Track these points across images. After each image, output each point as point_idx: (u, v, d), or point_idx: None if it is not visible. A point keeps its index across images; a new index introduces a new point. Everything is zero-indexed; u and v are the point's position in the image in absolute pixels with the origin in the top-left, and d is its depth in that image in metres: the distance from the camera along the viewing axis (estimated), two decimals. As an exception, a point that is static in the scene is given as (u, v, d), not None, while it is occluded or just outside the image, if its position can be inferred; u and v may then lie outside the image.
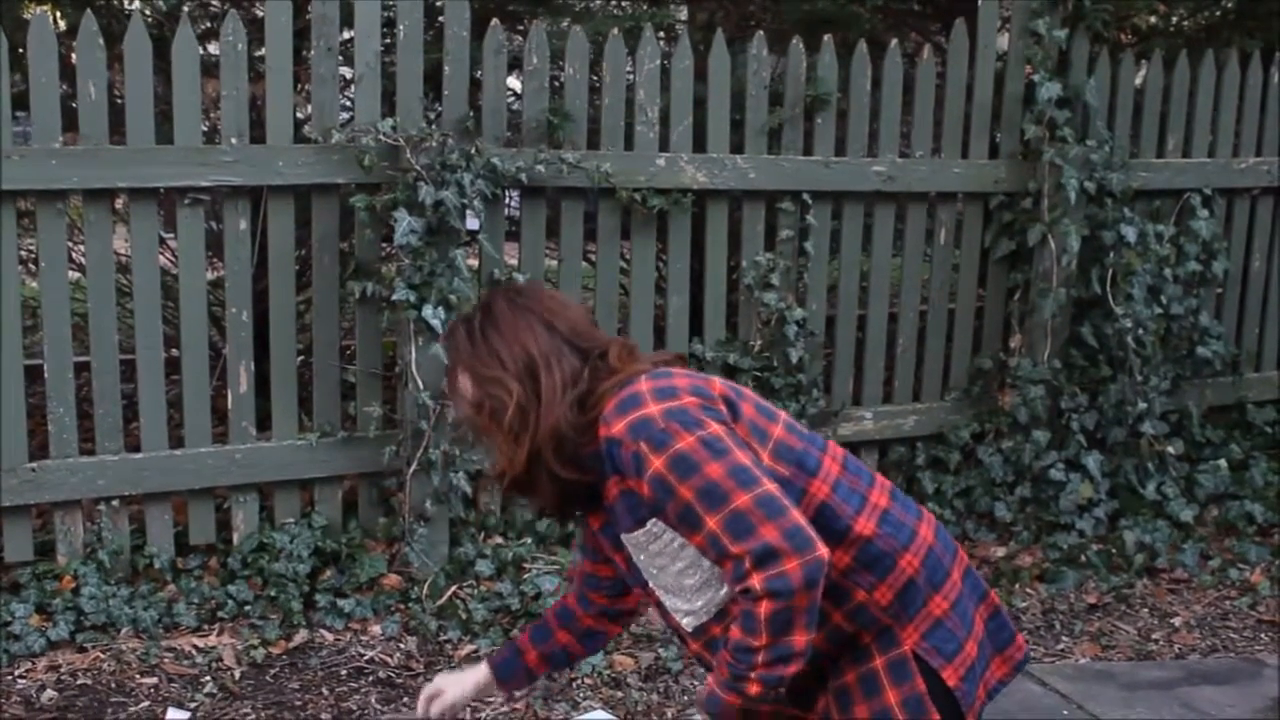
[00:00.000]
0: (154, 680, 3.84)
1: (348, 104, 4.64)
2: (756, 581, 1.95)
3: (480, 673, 2.56)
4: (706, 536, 2.00)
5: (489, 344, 2.17)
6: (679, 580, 2.17)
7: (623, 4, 6.52)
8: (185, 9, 4.85)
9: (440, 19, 4.57)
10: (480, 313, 2.21)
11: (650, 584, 2.23)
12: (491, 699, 3.57)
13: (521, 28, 5.42)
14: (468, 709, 3.79)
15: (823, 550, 1.97)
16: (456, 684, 2.58)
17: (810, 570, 1.94)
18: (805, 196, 4.85)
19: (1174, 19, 7.00)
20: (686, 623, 2.21)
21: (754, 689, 2.02)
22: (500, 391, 2.14)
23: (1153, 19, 6.91)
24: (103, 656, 3.92)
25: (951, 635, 2.16)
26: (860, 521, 2.13)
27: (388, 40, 4.51)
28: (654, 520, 2.11)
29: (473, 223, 4.31)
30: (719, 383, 2.18)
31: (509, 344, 2.15)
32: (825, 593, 2.02)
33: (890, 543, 2.14)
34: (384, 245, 4.52)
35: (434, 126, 4.34)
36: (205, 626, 4.10)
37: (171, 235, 4.44)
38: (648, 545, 2.15)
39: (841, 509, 2.12)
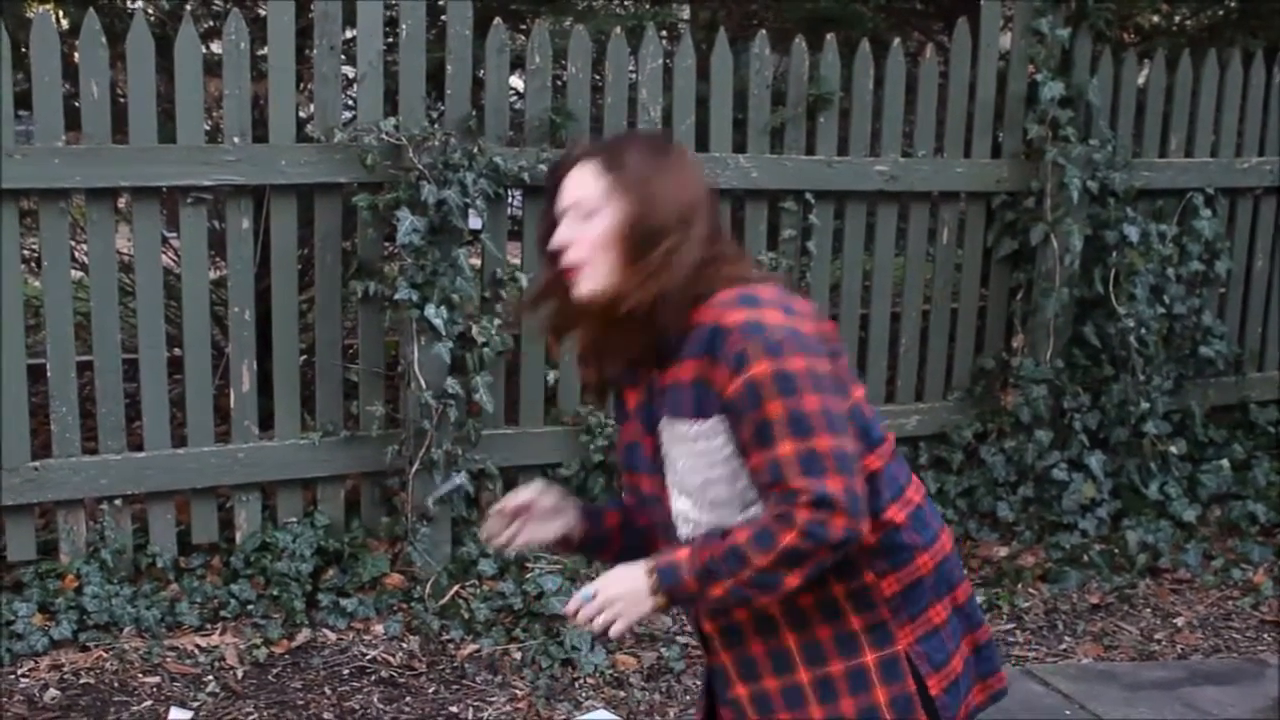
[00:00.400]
0: (156, 679, 3.85)
1: (350, 103, 4.64)
2: (800, 516, 1.93)
3: (567, 501, 2.38)
4: (772, 460, 1.97)
5: (666, 172, 2.10)
6: (703, 489, 2.08)
7: (625, 3, 6.53)
8: (188, 8, 4.85)
9: (443, 18, 4.56)
10: (659, 142, 2.17)
11: (668, 478, 2.13)
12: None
13: (524, 27, 5.43)
14: (469, 708, 3.80)
15: (865, 526, 1.99)
16: (542, 490, 2.36)
17: (849, 535, 1.96)
18: (808, 196, 4.85)
19: (1177, 18, 7.00)
20: (683, 530, 2.13)
21: (718, 592, 2.00)
22: (662, 219, 2.06)
23: (1155, 18, 6.91)
24: (105, 656, 3.92)
25: (943, 646, 2.15)
26: (893, 509, 2.13)
27: (390, 39, 4.51)
28: (719, 419, 2.03)
29: (475, 222, 4.31)
30: (829, 325, 2.16)
31: (682, 182, 2.10)
32: (836, 564, 2.02)
33: (914, 537, 2.14)
34: (386, 244, 4.51)
35: (436, 126, 4.34)
36: (208, 626, 4.10)
37: (174, 234, 4.44)
38: (694, 440, 2.06)
39: (883, 490, 2.12)
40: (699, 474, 2.07)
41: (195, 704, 3.74)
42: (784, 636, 2.11)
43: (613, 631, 2.06)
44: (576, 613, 2.08)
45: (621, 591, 2.06)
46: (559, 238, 2.08)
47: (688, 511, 2.11)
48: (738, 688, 2.16)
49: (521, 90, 4.89)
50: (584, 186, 2.08)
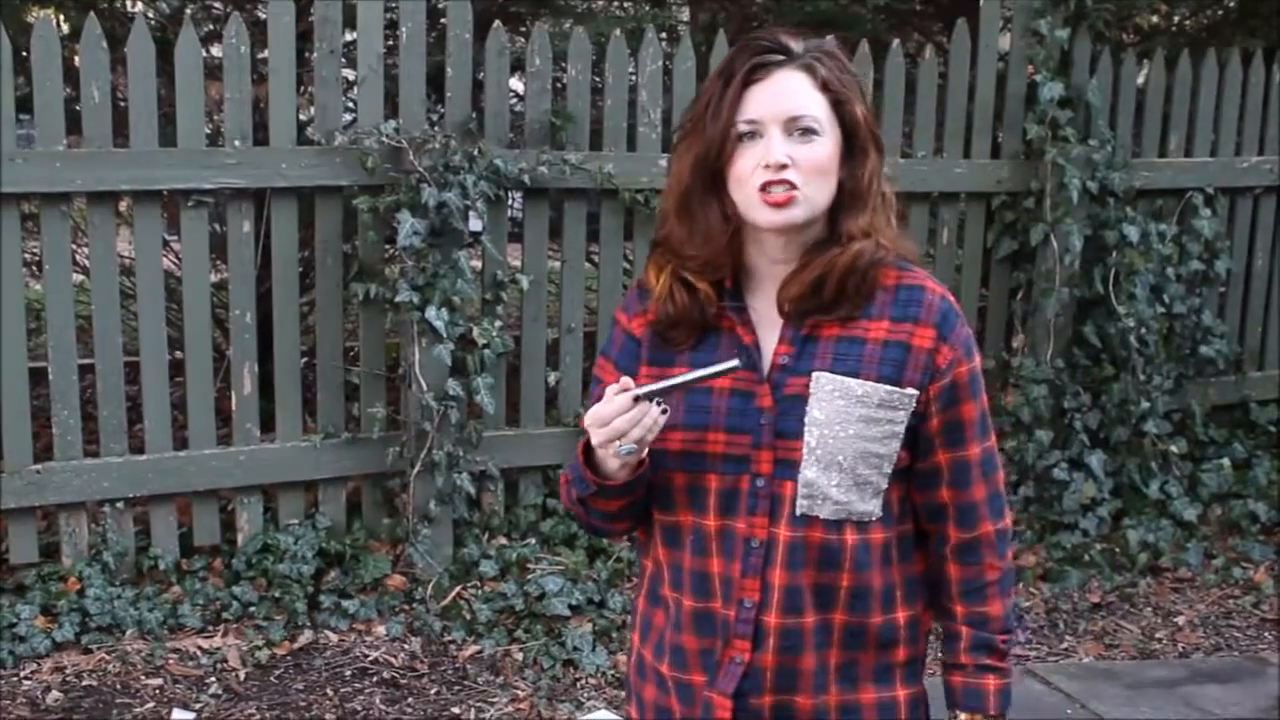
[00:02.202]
0: (159, 681, 3.85)
1: (351, 106, 4.65)
2: (1010, 517, 1.91)
3: None
4: (961, 459, 1.86)
5: (861, 92, 1.87)
6: (856, 462, 1.79)
7: (625, 5, 6.54)
8: (188, 12, 4.86)
9: (443, 21, 4.57)
10: (846, 54, 1.91)
11: (804, 433, 1.79)
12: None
13: (524, 29, 5.44)
14: (471, 709, 3.80)
15: None
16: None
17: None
18: (807, 197, 4.85)
19: (1176, 18, 7.00)
20: (804, 503, 1.79)
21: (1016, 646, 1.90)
22: (868, 147, 1.83)
23: (1154, 18, 6.91)
24: (108, 658, 3.92)
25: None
26: None
27: (390, 42, 4.52)
28: (914, 393, 1.81)
29: (476, 224, 4.32)
30: None
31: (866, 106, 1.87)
32: (904, 584, 1.88)
33: None
34: (387, 247, 4.52)
35: (437, 128, 4.35)
36: (210, 628, 4.10)
37: (175, 237, 4.44)
38: (875, 406, 1.79)
39: None
40: (859, 444, 1.79)
41: (197, 706, 3.75)
42: (829, 653, 1.85)
43: None
44: None
45: None
46: (776, 153, 1.75)
47: (820, 484, 1.79)
48: (765, 697, 1.85)
49: (521, 92, 4.89)
50: (806, 100, 1.79)
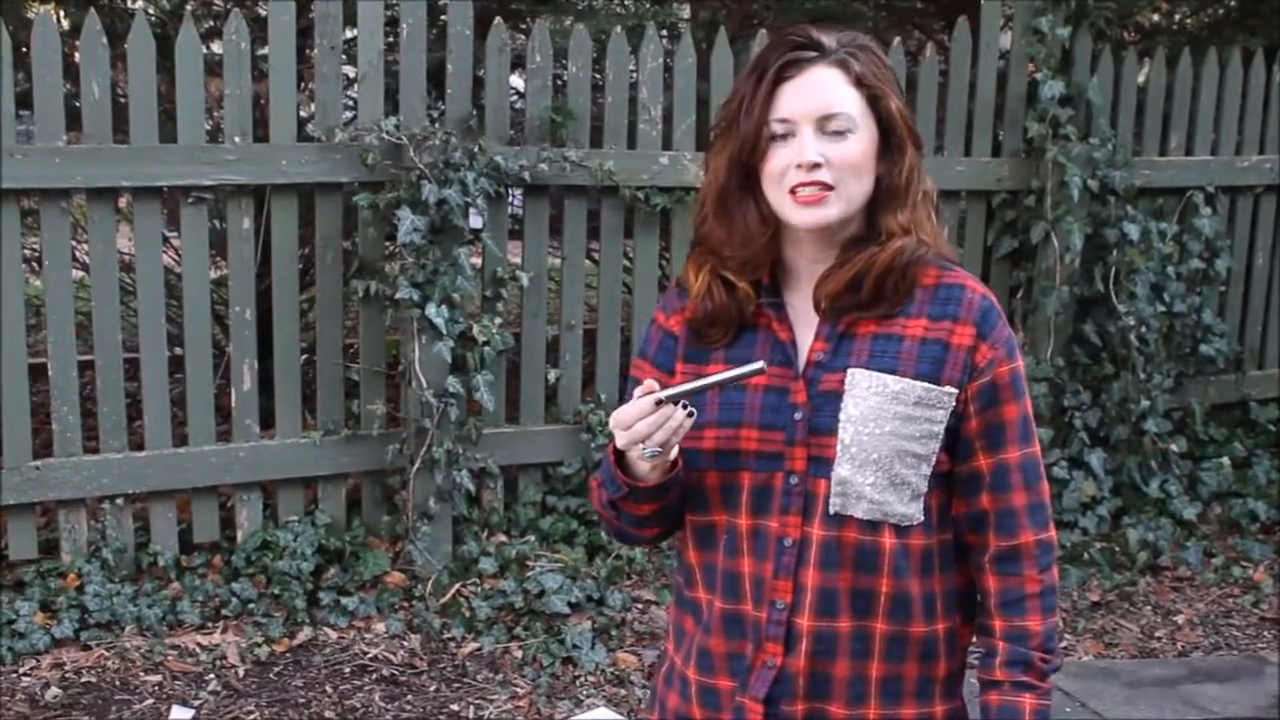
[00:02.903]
0: (158, 678, 3.85)
1: (351, 103, 4.65)
2: (1053, 529, 1.84)
3: None
4: (1001, 462, 1.80)
5: (899, 89, 1.84)
6: (893, 460, 1.76)
7: (625, 2, 6.53)
8: (188, 8, 4.86)
9: (443, 17, 4.57)
10: (882, 50, 1.87)
11: (838, 429, 1.76)
12: None
13: (524, 26, 5.43)
14: (470, 706, 3.80)
15: None
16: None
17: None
18: (808, 195, 4.84)
19: (1177, 17, 7.00)
20: (837, 501, 1.76)
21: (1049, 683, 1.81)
22: (904, 144, 1.81)
23: (1155, 17, 6.91)
24: (107, 654, 3.92)
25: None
26: None
27: (391, 39, 4.52)
28: (952, 391, 1.77)
29: (476, 221, 4.32)
30: None
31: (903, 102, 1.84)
32: (945, 595, 1.84)
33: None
34: (387, 244, 4.52)
35: (437, 125, 4.34)
36: (209, 624, 4.10)
37: (175, 234, 4.44)
38: (911, 404, 1.76)
39: None
40: (895, 442, 1.75)
41: (197, 702, 3.75)
42: (870, 664, 1.81)
43: None
44: None
45: None
46: (808, 153, 1.73)
47: (852, 478, 1.76)
48: (798, 703, 1.82)
49: (522, 89, 4.89)
50: (839, 97, 1.76)
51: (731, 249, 1.82)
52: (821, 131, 1.75)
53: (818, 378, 1.79)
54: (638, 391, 1.72)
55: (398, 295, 4.22)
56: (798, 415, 1.78)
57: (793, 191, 1.75)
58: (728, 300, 1.83)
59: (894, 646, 1.80)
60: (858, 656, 1.80)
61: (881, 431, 1.74)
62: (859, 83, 1.77)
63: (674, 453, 1.75)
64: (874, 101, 1.78)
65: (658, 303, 2.01)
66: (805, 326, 1.83)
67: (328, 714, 3.75)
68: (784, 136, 1.76)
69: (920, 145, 1.83)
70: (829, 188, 1.74)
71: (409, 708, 3.80)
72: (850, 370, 1.77)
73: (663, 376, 1.86)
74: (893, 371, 1.76)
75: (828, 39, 1.79)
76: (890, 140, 1.79)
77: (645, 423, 1.70)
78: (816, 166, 1.73)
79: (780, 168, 1.76)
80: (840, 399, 1.77)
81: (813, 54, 1.77)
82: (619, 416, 1.72)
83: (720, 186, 1.82)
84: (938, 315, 1.79)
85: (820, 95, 1.75)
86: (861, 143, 1.76)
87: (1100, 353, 5.25)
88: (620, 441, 1.73)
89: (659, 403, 1.69)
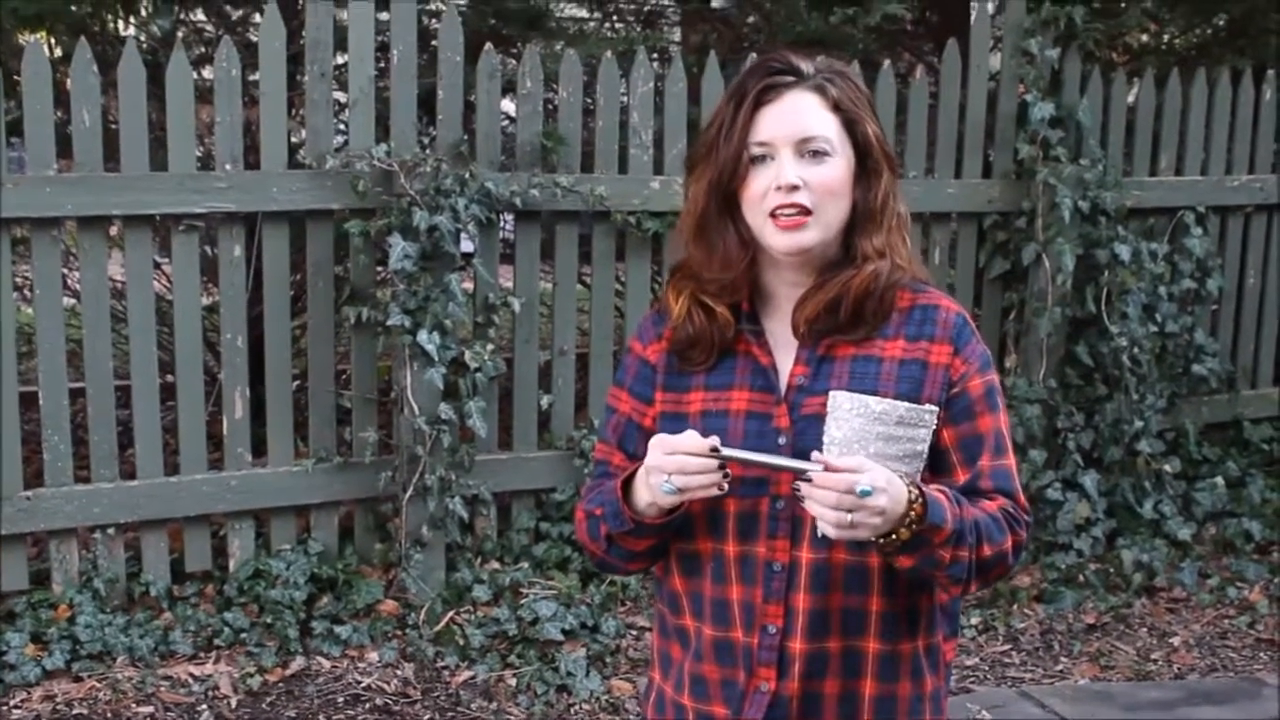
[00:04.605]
0: (150, 709, 3.83)
1: (342, 129, 4.65)
2: (1023, 532, 1.82)
3: None
4: (1000, 468, 1.82)
5: (874, 113, 1.87)
6: None
7: (616, 27, 6.54)
8: (179, 35, 4.85)
9: (434, 43, 4.57)
10: (858, 74, 1.91)
11: (822, 452, 1.75)
12: None
13: (515, 51, 5.44)
14: (466, 735, 3.77)
15: None
16: None
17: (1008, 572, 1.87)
18: (800, 218, 4.84)
19: (1165, 37, 7.03)
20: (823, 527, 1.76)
21: (948, 556, 1.73)
22: (881, 168, 1.83)
23: (1144, 37, 6.93)
24: (99, 685, 3.90)
25: None
26: None
27: (381, 65, 4.52)
28: (933, 409, 1.79)
29: (467, 246, 4.32)
30: None
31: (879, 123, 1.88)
32: (930, 611, 1.88)
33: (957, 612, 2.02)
34: (379, 270, 4.51)
35: (428, 151, 4.34)
36: (201, 654, 4.08)
37: (166, 261, 4.43)
38: (892, 424, 1.77)
39: None
40: (879, 463, 1.72)
41: (189, 733, 3.73)
42: (863, 683, 1.84)
43: (841, 534, 1.68)
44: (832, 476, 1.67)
45: (888, 507, 1.67)
46: (788, 175, 1.76)
47: None
48: None
49: (513, 114, 4.89)
50: (817, 121, 1.79)
51: (711, 273, 1.84)
52: (800, 155, 1.78)
53: (800, 401, 1.81)
54: (697, 439, 1.71)
55: (389, 322, 4.21)
56: (781, 440, 1.80)
57: (773, 215, 1.78)
58: (707, 325, 1.85)
59: (888, 665, 1.83)
60: (851, 676, 1.83)
61: (866, 453, 1.75)
62: (836, 107, 1.80)
63: (680, 501, 1.76)
64: (850, 126, 1.81)
65: (633, 331, 2.02)
66: (785, 351, 1.85)
67: (321, 744, 3.73)
68: (763, 160, 1.79)
69: (895, 169, 1.87)
70: (808, 212, 1.77)
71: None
72: (832, 393, 1.79)
73: (641, 406, 1.90)
74: (874, 393, 1.78)
75: (805, 64, 1.82)
76: (866, 164, 1.82)
77: (693, 461, 1.70)
78: (795, 188, 1.76)
79: (760, 190, 1.79)
80: (823, 422, 1.79)
81: (790, 79, 1.80)
82: (668, 440, 1.73)
83: (700, 211, 1.85)
84: (914, 336, 1.82)
85: (798, 119, 1.79)
86: (839, 166, 1.80)
87: (1093, 374, 5.25)
88: (652, 459, 1.73)
89: (714, 449, 1.71)
